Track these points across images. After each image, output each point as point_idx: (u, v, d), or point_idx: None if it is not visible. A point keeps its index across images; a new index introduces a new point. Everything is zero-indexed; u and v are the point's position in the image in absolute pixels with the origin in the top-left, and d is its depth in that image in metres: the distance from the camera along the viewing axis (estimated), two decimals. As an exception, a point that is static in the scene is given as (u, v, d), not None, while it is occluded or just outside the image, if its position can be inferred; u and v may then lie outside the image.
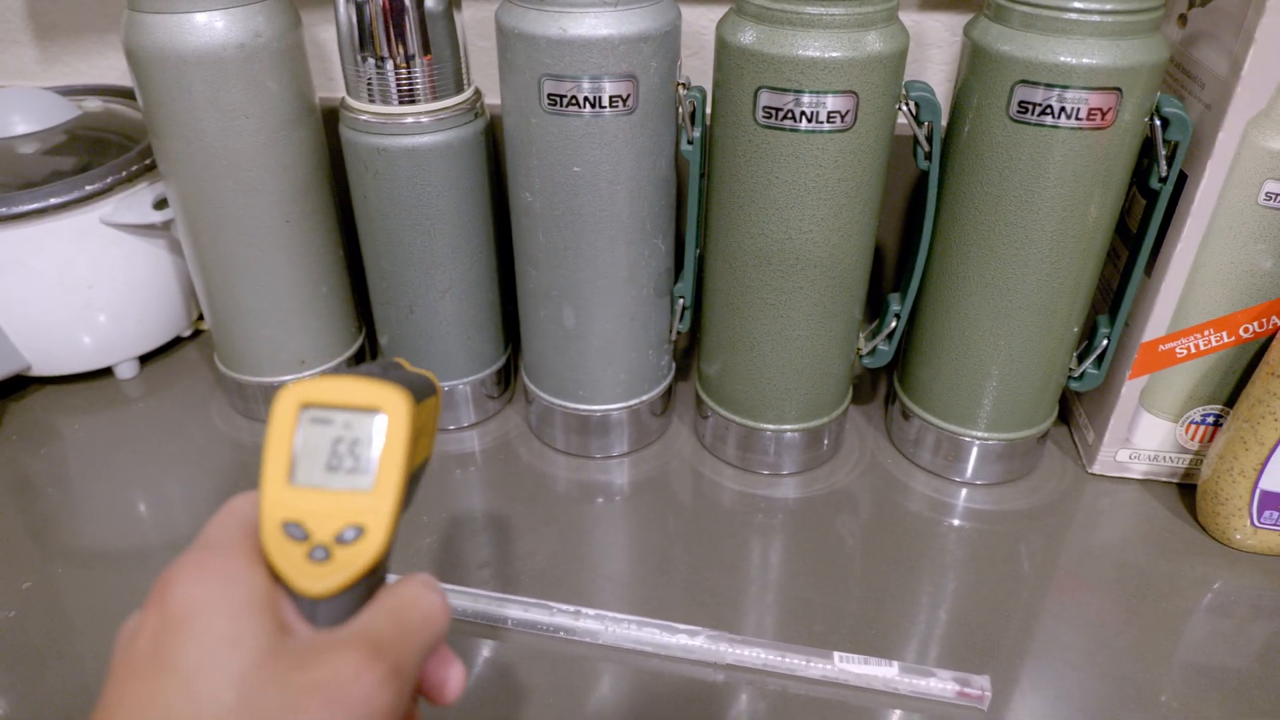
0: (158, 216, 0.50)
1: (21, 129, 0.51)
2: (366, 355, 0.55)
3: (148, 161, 0.51)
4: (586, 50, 0.38)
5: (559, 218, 0.42)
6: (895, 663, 0.37)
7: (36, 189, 0.47)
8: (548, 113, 0.39)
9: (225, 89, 0.42)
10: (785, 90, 0.37)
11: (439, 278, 0.46)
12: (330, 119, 0.46)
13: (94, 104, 0.55)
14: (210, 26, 0.41)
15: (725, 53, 0.39)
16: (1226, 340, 0.42)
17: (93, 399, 0.54)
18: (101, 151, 0.51)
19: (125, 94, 0.58)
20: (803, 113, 0.38)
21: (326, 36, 0.55)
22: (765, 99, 0.38)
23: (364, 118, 0.42)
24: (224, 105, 0.42)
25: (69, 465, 0.49)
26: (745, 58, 0.38)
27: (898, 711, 0.36)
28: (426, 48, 0.41)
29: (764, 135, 0.39)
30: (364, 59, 0.41)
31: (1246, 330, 0.42)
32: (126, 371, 0.55)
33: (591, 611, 0.39)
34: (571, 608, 0.39)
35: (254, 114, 0.43)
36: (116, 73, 0.61)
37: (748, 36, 0.38)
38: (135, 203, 0.50)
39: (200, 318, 0.59)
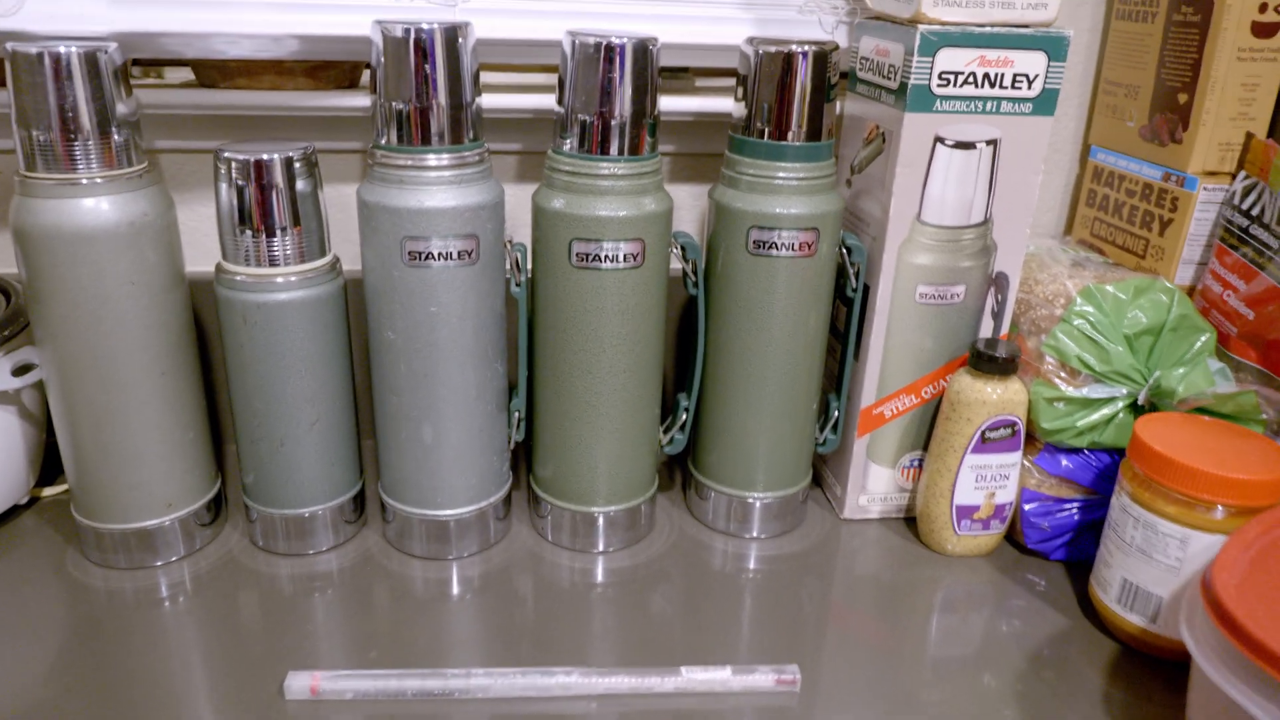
0: (16, 383, 0.53)
1: None
2: (224, 497, 0.60)
3: (5, 332, 0.54)
4: (440, 217, 0.49)
5: (419, 350, 0.51)
6: (728, 666, 0.47)
7: (-104, 363, 0.49)
8: (408, 266, 0.49)
9: (115, 261, 0.48)
10: (591, 239, 0.50)
11: (308, 412, 0.53)
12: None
13: (-71, 288, 0.58)
14: (98, 209, 0.48)
15: (542, 216, 0.52)
16: (915, 401, 0.59)
17: (-73, 573, 0.54)
18: (-59, 331, 0.54)
19: (-44, 278, 0.61)
20: (605, 255, 0.51)
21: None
22: (577, 247, 0.51)
23: (240, 278, 0.50)
24: (112, 275, 0.48)
25: (-81, 633, 0.49)
26: (558, 218, 0.51)
27: (734, 707, 0.46)
28: (297, 220, 0.50)
29: (577, 274, 0.51)
30: (242, 230, 0.50)
31: (927, 392, 0.59)
32: (-37, 542, 0.56)
33: (480, 670, 0.46)
34: (462, 670, 0.46)
35: (139, 281, 0.49)
36: (-59, 260, 0.63)
37: (558, 203, 0.51)
38: (-7, 372, 0.53)
39: (37, 485, 0.61)
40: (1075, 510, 0.57)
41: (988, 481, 0.56)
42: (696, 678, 0.46)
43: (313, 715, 0.45)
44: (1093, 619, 0.53)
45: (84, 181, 0.47)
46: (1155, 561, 0.48)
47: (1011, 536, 0.60)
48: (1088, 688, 0.48)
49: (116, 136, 0.48)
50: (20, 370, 0.54)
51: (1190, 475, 0.45)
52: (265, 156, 0.49)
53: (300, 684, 0.45)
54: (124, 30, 0.51)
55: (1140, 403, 0.55)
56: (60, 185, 0.47)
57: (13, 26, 0.50)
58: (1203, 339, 0.54)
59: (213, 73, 0.58)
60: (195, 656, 0.48)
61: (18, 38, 0.46)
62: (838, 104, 0.58)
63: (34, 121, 0.46)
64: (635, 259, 0.51)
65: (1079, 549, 0.57)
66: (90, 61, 0.46)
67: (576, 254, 0.51)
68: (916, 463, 0.61)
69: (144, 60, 0.65)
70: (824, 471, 0.66)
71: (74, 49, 0.46)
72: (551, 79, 0.52)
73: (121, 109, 0.48)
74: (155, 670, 0.47)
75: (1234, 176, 0.60)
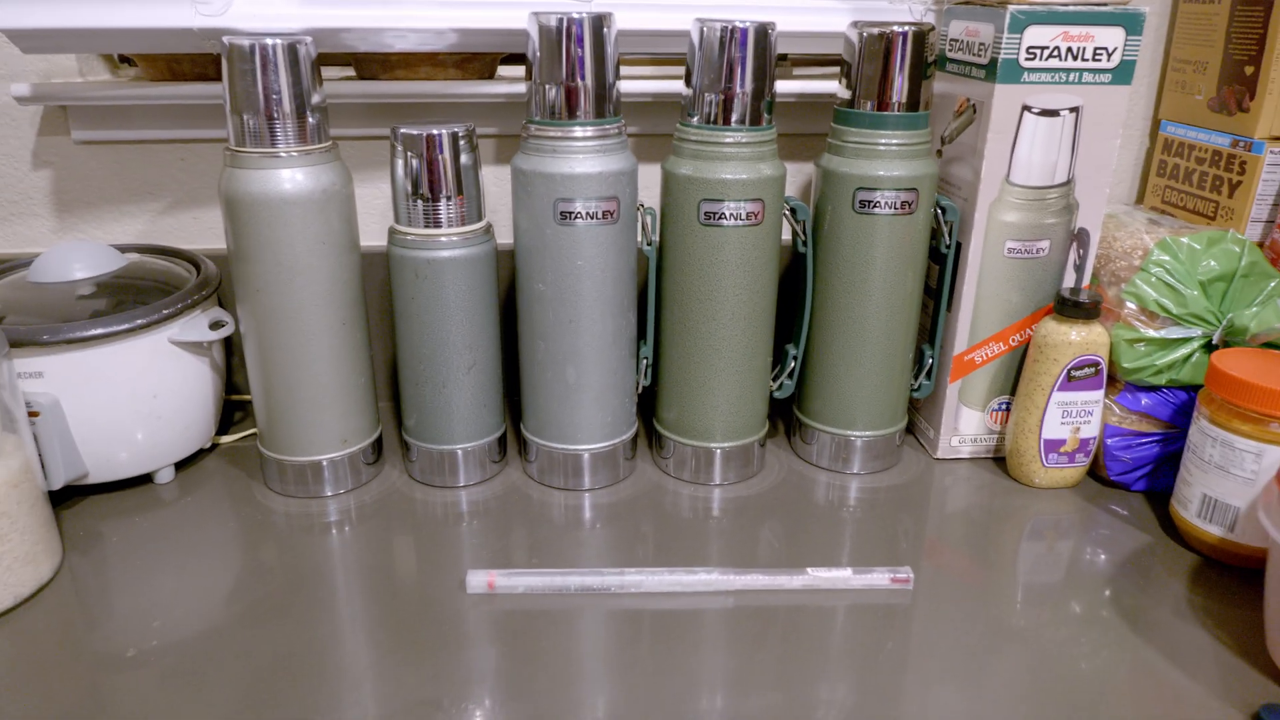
0: (212, 335, 0.62)
1: (79, 274, 0.62)
2: (383, 438, 0.67)
3: (204, 292, 0.63)
4: (586, 181, 0.56)
5: (566, 299, 0.58)
6: (848, 567, 0.53)
7: (125, 313, 0.58)
8: (559, 224, 0.57)
9: (307, 224, 0.56)
10: (716, 199, 0.57)
11: (466, 357, 0.61)
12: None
13: (131, 257, 0.66)
14: (294, 179, 0.56)
15: (672, 180, 0.59)
16: (1004, 349, 0.65)
17: (138, 502, 0.62)
18: (143, 291, 0.63)
19: (148, 250, 0.69)
20: (729, 214, 0.58)
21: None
22: (705, 206, 0.58)
23: (411, 237, 0.58)
24: (305, 236, 0.56)
25: (139, 558, 0.57)
26: (688, 182, 0.58)
27: (853, 603, 0.52)
28: (459, 189, 0.58)
29: (704, 231, 0.58)
30: (415, 197, 0.57)
31: (1014, 340, 0.64)
32: (165, 477, 0.64)
33: (632, 569, 0.53)
34: (616, 569, 0.53)
35: (327, 241, 0.57)
36: (130, 235, 0.72)
37: (687, 169, 0.58)
38: (196, 324, 0.61)
39: (219, 432, 0.69)
40: (1155, 444, 0.62)
41: (1073, 417, 0.62)
42: (820, 576, 0.53)
43: (490, 606, 0.52)
44: (1174, 537, 0.59)
45: (283, 155, 0.55)
46: (1232, 475, 0.53)
47: (1095, 472, 0.65)
48: (1172, 594, 0.54)
49: (310, 118, 0.56)
50: (215, 325, 0.62)
51: (1264, 395, 0.51)
52: (435, 132, 0.57)
53: (479, 580, 0.52)
54: (312, 26, 0.59)
55: (1215, 342, 0.60)
56: (264, 158, 0.55)
57: (222, 24, 0.58)
58: (1273, 284, 0.59)
59: (375, 66, 0.67)
60: (379, 565, 0.56)
61: (226, 34, 0.54)
62: (931, 81, 0.64)
63: (244, 105, 0.54)
64: (754, 217, 0.58)
65: (1159, 480, 0.63)
66: (292, 53, 0.54)
67: (704, 213, 0.58)
68: (1004, 406, 0.66)
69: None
70: (917, 419, 0.72)
71: (279, 42, 0.54)
72: (659, 70, 0.59)
73: (314, 95, 0.56)
74: (345, 577, 0.55)
75: (1298, 140, 0.65)
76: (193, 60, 0.66)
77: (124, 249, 0.68)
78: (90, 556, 0.56)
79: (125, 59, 0.73)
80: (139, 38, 0.60)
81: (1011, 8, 0.56)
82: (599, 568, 0.54)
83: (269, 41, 0.54)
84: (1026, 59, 0.57)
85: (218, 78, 0.57)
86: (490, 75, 0.70)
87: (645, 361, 0.64)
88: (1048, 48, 0.57)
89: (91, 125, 0.69)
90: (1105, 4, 0.58)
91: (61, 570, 0.55)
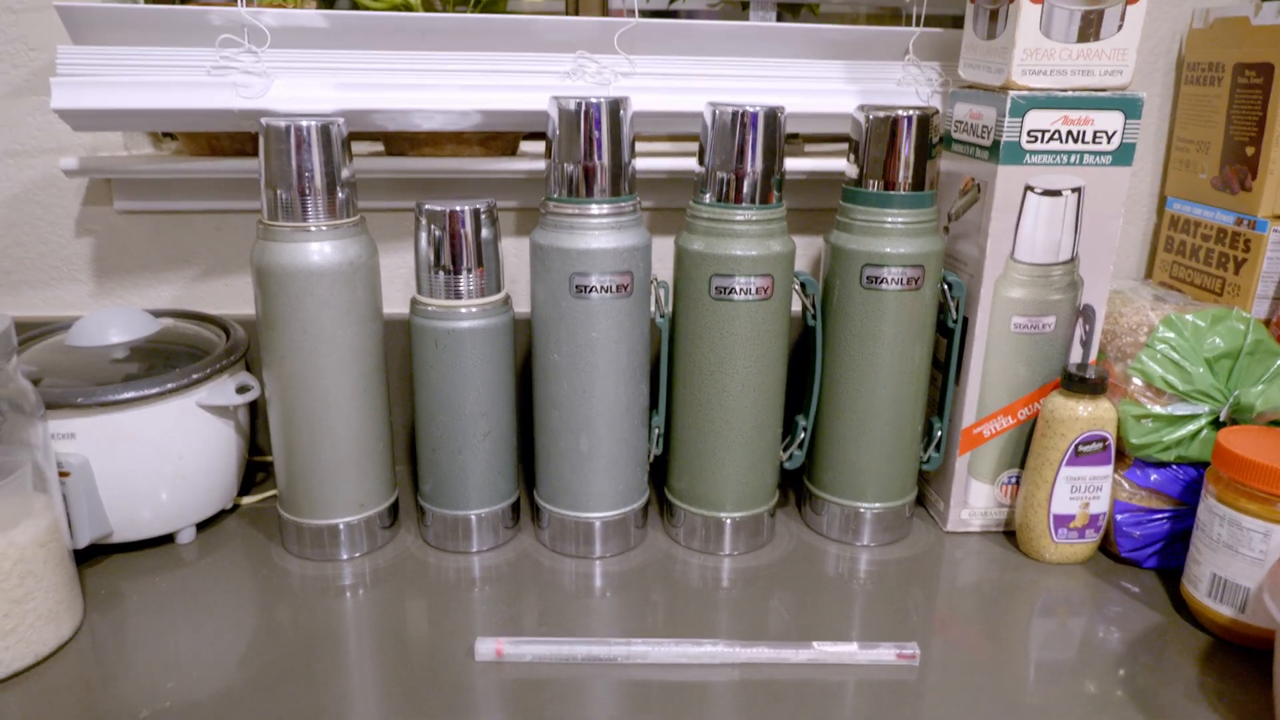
0: (238, 399, 0.64)
1: (115, 339, 0.64)
2: (399, 502, 0.69)
3: (232, 357, 0.65)
4: (602, 256, 0.58)
5: (580, 370, 0.60)
6: (854, 642, 0.54)
7: (156, 377, 0.60)
8: (574, 297, 0.59)
9: (336, 293, 0.58)
10: (728, 275, 0.59)
11: (481, 424, 0.62)
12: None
13: (165, 322, 0.69)
14: (323, 251, 0.58)
15: (685, 256, 0.61)
16: (1012, 422, 0.65)
17: (159, 561, 0.63)
18: (174, 356, 0.65)
19: (180, 315, 0.72)
20: (739, 289, 0.59)
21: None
22: (717, 281, 0.59)
23: (432, 308, 0.60)
24: (331, 306, 0.58)
25: (157, 618, 0.58)
26: (700, 258, 0.60)
27: (860, 678, 0.52)
28: (480, 261, 0.60)
29: (715, 305, 0.60)
30: (436, 269, 0.60)
31: (1022, 414, 0.65)
32: (186, 537, 0.66)
33: (639, 640, 0.54)
34: (624, 639, 0.54)
35: (351, 311, 0.59)
36: (164, 300, 0.75)
37: (699, 245, 0.60)
38: (223, 389, 0.63)
39: (241, 493, 0.71)
40: (1165, 520, 0.62)
41: (1082, 492, 0.62)
42: (826, 650, 0.53)
43: (499, 674, 0.52)
44: (1186, 617, 0.58)
45: (312, 229, 0.58)
46: (1241, 555, 0.53)
47: (1106, 548, 0.65)
48: (1184, 676, 0.53)
49: (340, 194, 0.59)
50: (242, 389, 0.65)
51: (1271, 474, 0.51)
52: (458, 208, 0.59)
53: (487, 648, 0.53)
54: (345, 108, 0.63)
55: (1222, 419, 0.60)
56: (295, 231, 0.58)
57: (261, 106, 0.62)
58: (1279, 362, 0.60)
59: (403, 143, 0.70)
60: (390, 629, 0.57)
61: (264, 115, 0.57)
62: (936, 161, 0.66)
63: (278, 180, 0.57)
64: (764, 292, 0.60)
65: (1170, 557, 0.62)
66: (324, 133, 0.57)
67: (716, 287, 0.59)
68: (1014, 480, 0.67)
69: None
70: (928, 491, 0.72)
71: (313, 123, 0.57)
72: (675, 147, 0.62)
73: (344, 171, 0.59)
74: (358, 641, 0.56)
75: (1302, 220, 0.66)
76: (231, 137, 0.70)
77: (159, 314, 0.71)
78: (110, 615, 0.58)
79: (169, 134, 0.77)
80: (183, 118, 0.64)
81: (1012, 93, 0.58)
82: (608, 637, 0.55)
83: (303, 123, 0.57)
84: (1028, 141, 0.59)
85: (254, 153, 0.60)
86: (513, 151, 0.73)
87: (657, 431, 0.65)
88: (1049, 131, 0.59)
89: (133, 196, 0.72)
90: (1104, 89, 0.60)
91: (82, 629, 0.56)
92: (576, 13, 0.81)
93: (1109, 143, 0.60)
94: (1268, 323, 0.68)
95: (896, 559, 0.65)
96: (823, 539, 0.68)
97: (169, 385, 0.60)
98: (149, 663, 0.53)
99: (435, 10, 0.76)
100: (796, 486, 0.73)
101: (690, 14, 0.88)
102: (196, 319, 0.72)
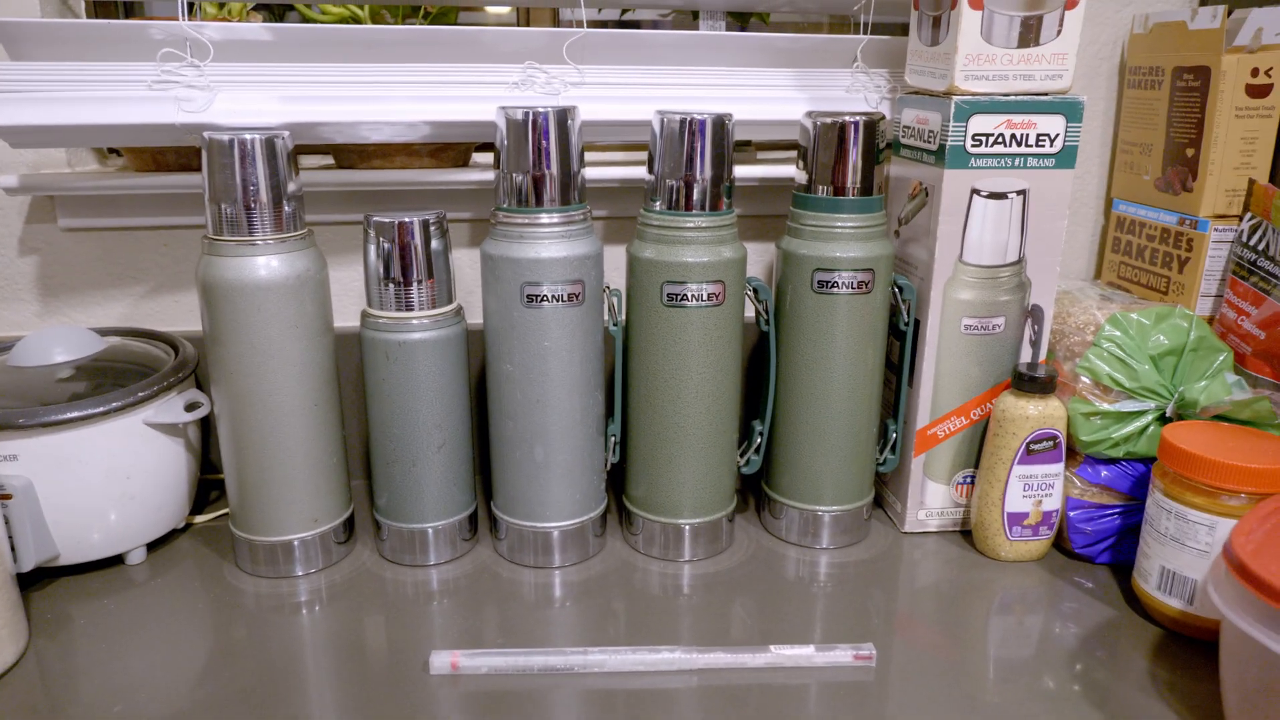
0: (187, 416, 0.63)
1: (59, 358, 0.63)
2: (355, 517, 0.68)
3: (180, 374, 0.64)
4: (552, 265, 0.58)
5: (533, 380, 0.60)
6: (811, 644, 0.54)
7: (100, 396, 0.59)
8: (526, 307, 0.58)
9: (284, 307, 0.58)
10: (679, 282, 0.59)
11: (436, 436, 0.62)
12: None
13: (112, 340, 0.68)
14: (269, 266, 0.57)
15: (636, 263, 0.61)
16: (965, 422, 0.66)
17: (108, 583, 0.62)
18: (121, 374, 0.64)
19: (127, 333, 0.71)
20: (691, 295, 0.59)
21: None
22: (668, 288, 0.59)
23: (383, 320, 0.60)
24: (279, 320, 0.58)
25: (106, 641, 0.57)
26: (651, 265, 0.60)
27: (819, 680, 0.52)
28: (430, 273, 0.60)
29: (667, 312, 0.60)
30: (386, 281, 0.59)
31: (975, 414, 0.66)
32: (136, 557, 0.64)
33: (595, 649, 0.53)
34: (580, 649, 0.53)
35: (300, 325, 0.59)
36: (112, 318, 0.74)
37: (650, 252, 0.60)
38: (171, 407, 0.62)
39: (193, 511, 0.69)
40: (1116, 516, 0.63)
41: (1035, 490, 0.62)
42: (784, 654, 0.53)
43: (454, 687, 0.52)
44: (1138, 611, 0.59)
45: (259, 243, 0.57)
46: (1188, 548, 0.54)
47: (1060, 545, 0.66)
48: (1137, 669, 0.54)
49: (286, 207, 0.58)
50: (190, 406, 0.64)
51: (1214, 468, 0.52)
52: (407, 219, 0.59)
53: (442, 661, 0.52)
54: (291, 121, 0.62)
55: (1168, 415, 0.61)
56: (240, 245, 0.57)
57: (204, 120, 0.61)
58: (1221, 357, 0.61)
59: (352, 155, 0.69)
60: (347, 645, 0.56)
61: (207, 129, 0.57)
62: (885, 166, 0.67)
63: (223, 195, 0.57)
64: (717, 298, 0.60)
65: (1122, 552, 0.63)
66: (269, 146, 0.57)
67: (668, 294, 0.59)
68: (969, 479, 0.67)
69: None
70: (885, 493, 0.72)
71: (257, 136, 0.56)
72: (628, 156, 0.62)
73: (290, 185, 0.58)
74: (314, 659, 0.55)
75: (1241, 218, 0.68)
76: (177, 152, 0.69)
77: (105, 332, 0.70)
78: (57, 640, 0.56)
79: (114, 150, 0.76)
80: (125, 133, 0.63)
81: (956, 98, 0.59)
82: (566, 647, 0.54)
83: (247, 136, 0.56)
84: (973, 145, 0.60)
85: (200, 168, 0.59)
86: (465, 163, 0.73)
87: (613, 439, 0.65)
88: (993, 135, 0.60)
89: (78, 213, 0.71)
90: (1046, 93, 0.61)
91: (26, 654, 0.55)
92: (528, 24, 0.81)
93: (1052, 145, 0.61)
94: (1210, 320, 0.69)
95: (855, 561, 0.66)
96: (782, 543, 0.68)
97: (114, 404, 0.59)
98: (98, 688, 0.52)
99: (384, 22, 0.76)
100: (755, 491, 0.73)
101: (638, 24, 0.89)
102: (144, 336, 0.71)
